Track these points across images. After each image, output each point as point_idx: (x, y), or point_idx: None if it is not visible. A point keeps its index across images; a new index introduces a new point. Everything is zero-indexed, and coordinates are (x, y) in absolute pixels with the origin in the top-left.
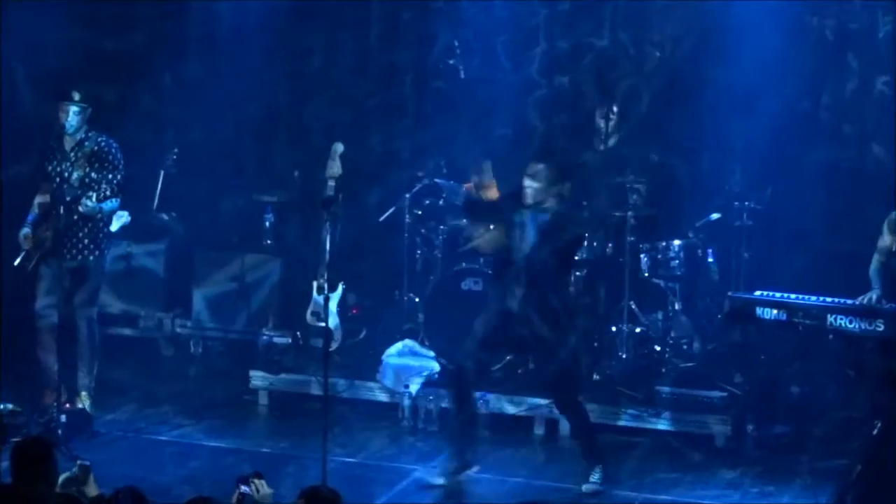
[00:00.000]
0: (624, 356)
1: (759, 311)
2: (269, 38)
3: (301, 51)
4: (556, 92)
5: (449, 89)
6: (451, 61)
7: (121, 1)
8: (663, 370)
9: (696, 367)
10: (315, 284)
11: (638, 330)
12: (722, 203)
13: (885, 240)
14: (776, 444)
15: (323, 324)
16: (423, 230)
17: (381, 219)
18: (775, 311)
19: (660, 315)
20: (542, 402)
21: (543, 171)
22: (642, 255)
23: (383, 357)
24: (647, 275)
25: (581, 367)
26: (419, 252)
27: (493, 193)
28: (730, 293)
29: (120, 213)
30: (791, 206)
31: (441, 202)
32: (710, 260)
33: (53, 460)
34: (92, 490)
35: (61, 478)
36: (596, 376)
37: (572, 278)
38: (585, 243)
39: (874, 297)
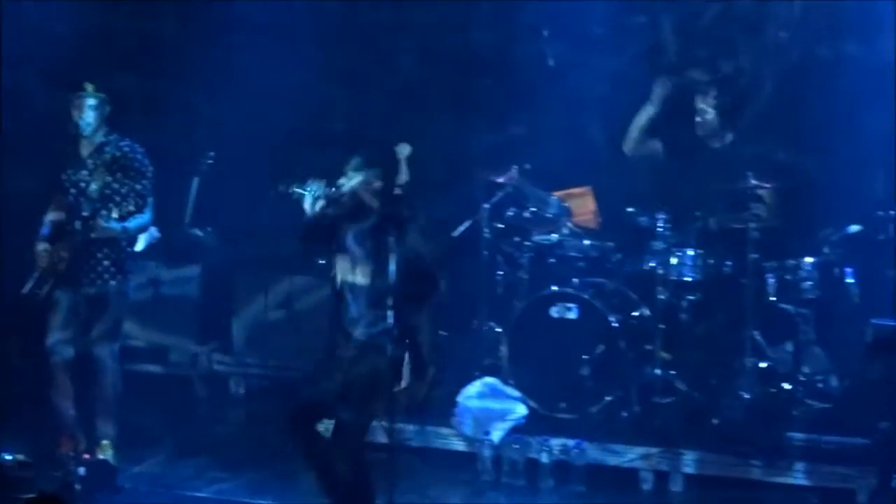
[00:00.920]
0: (747, 396)
1: None
2: (321, 21)
3: (358, 36)
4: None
5: (534, 79)
6: (538, 46)
7: None
8: (794, 413)
9: (833, 409)
10: None
11: (763, 365)
12: (863, 212)
13: None
14: None
15: None
16: (505, 247)
17: (456, 233)
18: None
19: (789, 347)
20: (652, 450)
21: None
22: (768, 276)
23: (460, 399)
24: (773, 299)
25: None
26: (501, 273)
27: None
28: (873, 320)
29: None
30: None
31: (527, 214)
32: (850, 280)
33: None
34: None
35: None
36: (714, 420)
37: None
38: None
39: None
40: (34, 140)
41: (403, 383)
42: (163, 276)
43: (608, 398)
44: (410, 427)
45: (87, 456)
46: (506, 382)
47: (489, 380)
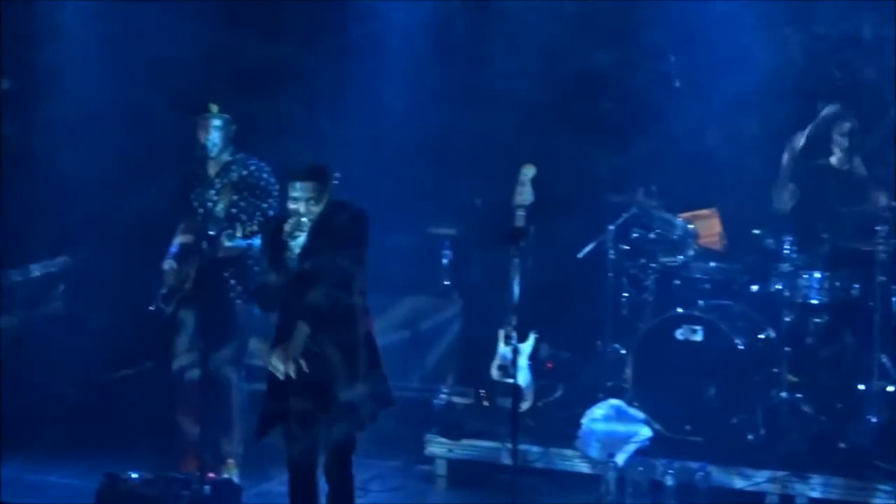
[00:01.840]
0: (874, 420)
1: None
2: (443, 43)
3: (480, 57)
4: (787, 102)
5: (660, 100)
6: (664, 67)
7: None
8: None
9: None
10: (502, 333)
11: (891, 389)
12: None
13: None
14: None
15: (511, 380)
16: (630, 269)
17: (581, 255)
18: None
19: None
20: (779, 473)
21: None
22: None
23: (584, 421)
24: None
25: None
26: (626, 295)
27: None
28: None
29: None
30: None
31: (652, 235)
32: None
33: None
34: None
35: None
36: (840, 444)
37: None
38: None
39: None
40: (163, 161)
41: (526, 405)
42: None
43: (734, 421)
44: (534, 449)
45: (211, 475)
46: (630, 404)
47: (614, 401)
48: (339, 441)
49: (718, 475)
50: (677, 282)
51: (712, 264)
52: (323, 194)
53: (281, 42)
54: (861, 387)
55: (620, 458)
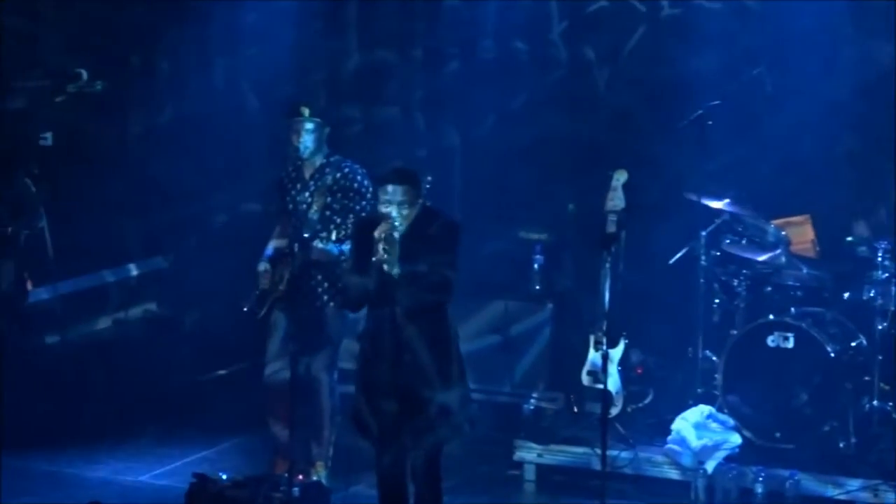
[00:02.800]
0: None
1: None
2: (536, 48)
3: (578, 62)
4: (881, 111)
5: (750, 105)
6: (756, 71)
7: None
8: None
9: None
10: (592, 339)
11: None
12: None
13: None
14: None
15: (601, 386)
16: (721, 275)
17: (672, 261)
18: None
19: None
20: (873, 482)
21: None
22: None
23: (674, 427)
24: None
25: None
26: (717, 301)
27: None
28: None
29: None
30: None
31: (744, 241)
32: None
33: None
34: None
35: None
36: None
37: None
38: None
39: None
40: (258, 164)
41: (616, 410)
42: None
43: (824, 428)
44: (623, 454)
45: (301, 477)
46: (720, 411)
47: (704, 408)
48: (430, 445)
49: (808, 483)
50: (769, 288)
51: (805, 271)
52: (415, 198)
53: (376, 47)
54: None
55: (710, 465)
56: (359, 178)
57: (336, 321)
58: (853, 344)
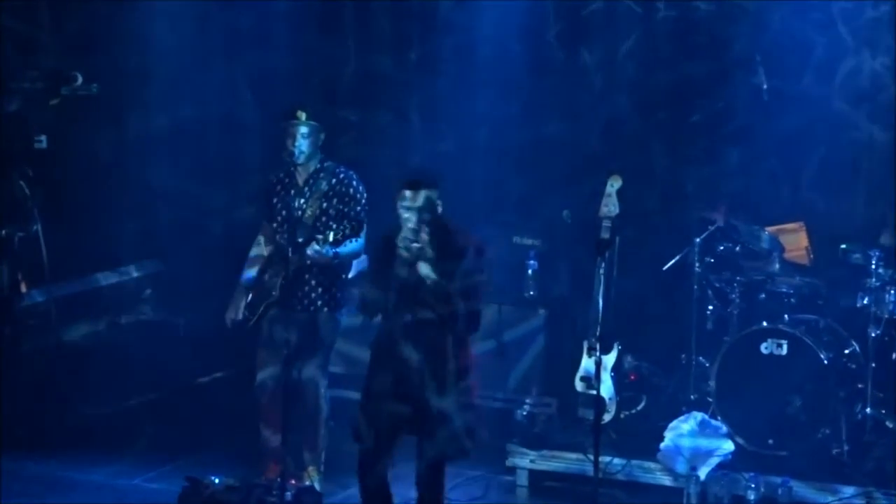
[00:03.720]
0: None
1: None
2: (531, 54)
3: (573, 66)
4: (878, 120)
5: (747, 111)
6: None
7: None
8: None
9: None
10: (585, 345)
11: None
12: None
13: None
14: None
15: (594, 392)
16: (715, 282)
17: (666, 267)
18: None
19: None
20: (863, 489)
21: None
22: None
23: (667, 434)
24: None
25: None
26: (710, 308)
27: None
28: None
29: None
30: None
31: (738, 248)
32: None
33: None
34: None
35: None
36: None
37: None
38: None
39: None
40: (254, 168)
41: (609, 417)
42: None
43: (817, 435)
44: (616, 460)
45: (293, 482)
46: (713, 417)
47: (697, 415)
48: (439, 453)
49: (801, 490)
50: (763, 295)
51: (798, 278)
52: (434, 204)
53: (373, 52)
54: None
55: (703, 472)
56: (354, 183)
57: (329, 325)
58: (847, 351)
